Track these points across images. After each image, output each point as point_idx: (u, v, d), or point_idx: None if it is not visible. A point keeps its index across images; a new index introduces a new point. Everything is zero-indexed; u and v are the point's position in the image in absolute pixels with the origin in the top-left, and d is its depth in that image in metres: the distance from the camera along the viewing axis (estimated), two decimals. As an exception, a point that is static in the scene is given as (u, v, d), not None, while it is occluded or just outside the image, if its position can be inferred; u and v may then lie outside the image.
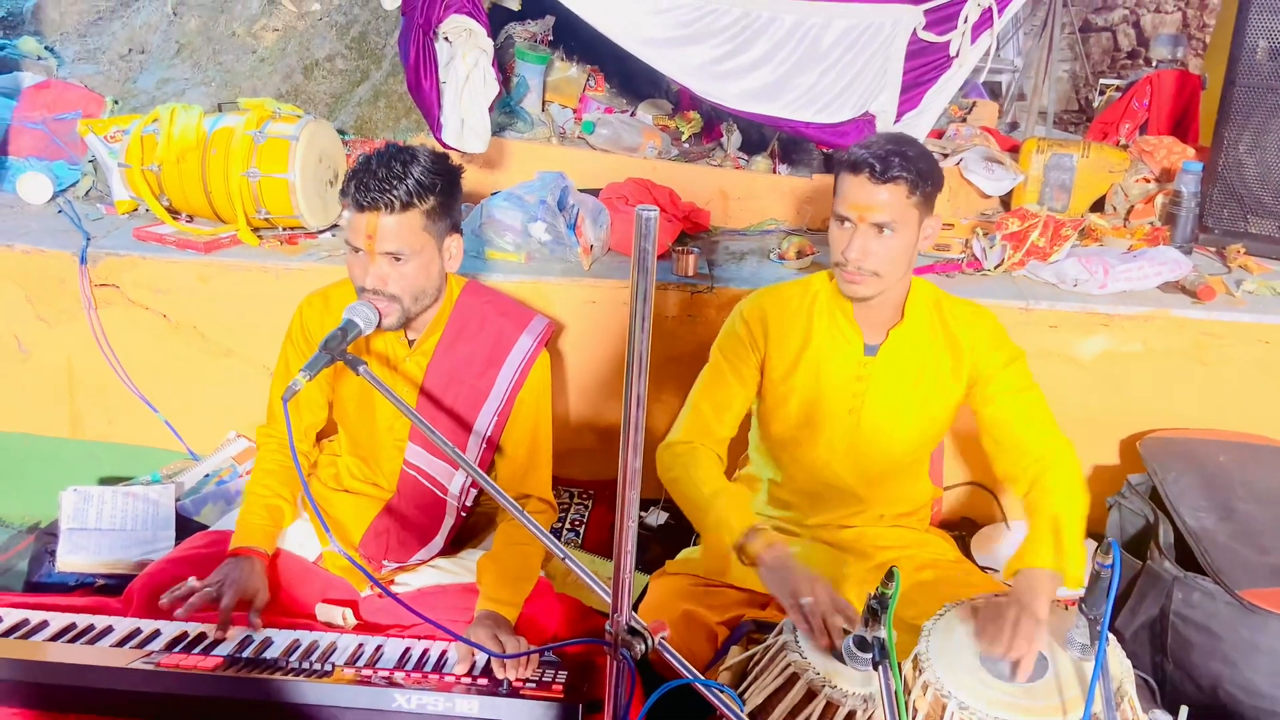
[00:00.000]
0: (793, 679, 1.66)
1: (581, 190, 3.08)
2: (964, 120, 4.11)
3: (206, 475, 2.81)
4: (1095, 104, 6.11)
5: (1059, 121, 6.45)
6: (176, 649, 1.81)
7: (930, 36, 3.13)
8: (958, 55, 3.18)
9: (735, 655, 1.85)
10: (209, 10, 3.89)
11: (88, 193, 3.37)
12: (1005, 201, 3.49)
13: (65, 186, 3.37)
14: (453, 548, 2.24)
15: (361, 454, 2.21)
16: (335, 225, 3.11)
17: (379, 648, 1.87)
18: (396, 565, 2.16)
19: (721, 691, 1.35)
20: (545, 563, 2.15)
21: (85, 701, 1.70)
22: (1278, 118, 3.02)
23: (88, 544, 2.52)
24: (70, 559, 2.50)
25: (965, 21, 3.12)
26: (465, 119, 3.04)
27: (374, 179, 1.87)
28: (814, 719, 1.62)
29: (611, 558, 1.27)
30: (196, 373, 2.90)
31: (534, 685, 1.73)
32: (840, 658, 1.66)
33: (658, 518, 2.83)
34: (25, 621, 1.88)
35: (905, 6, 3.09)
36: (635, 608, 1.33)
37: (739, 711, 1.34)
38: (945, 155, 3.51)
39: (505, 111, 3.67)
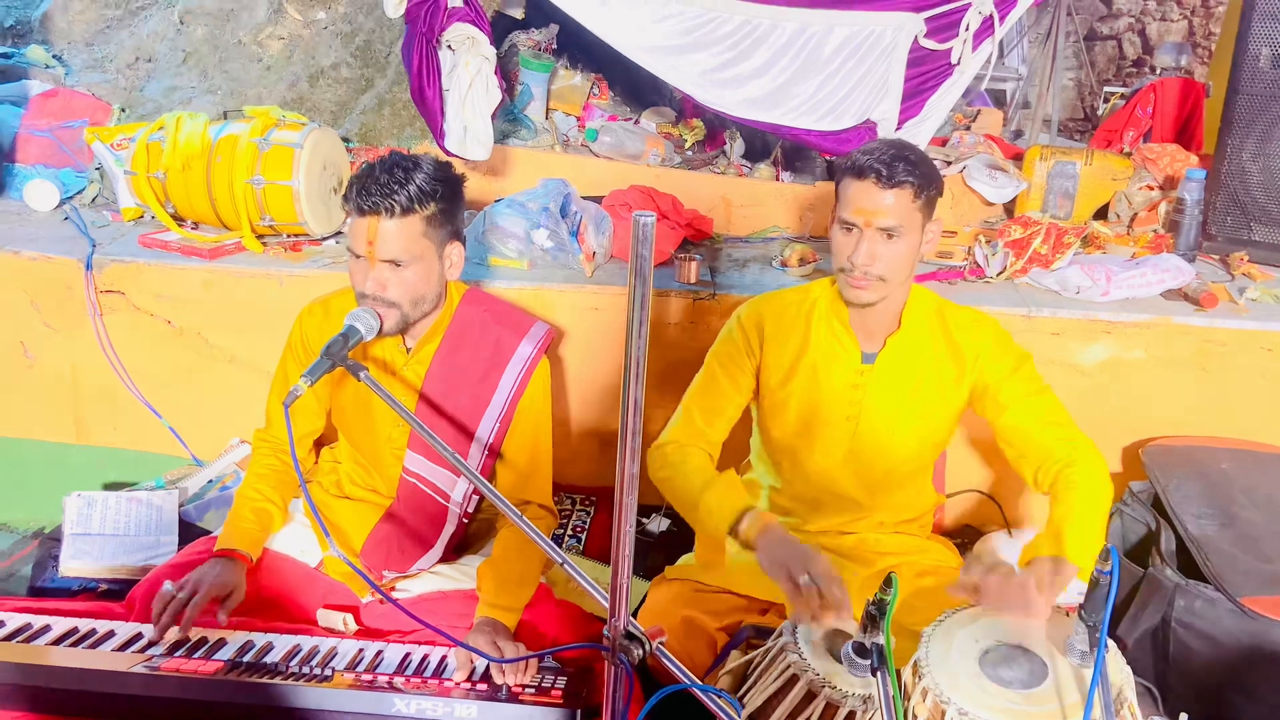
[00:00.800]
0: (792, 680, 1.66)
1: (585, 198, 3.09)
2: (968, 128, 4.12)
3: (210, 481, 2.82)
4: (1100, 112, 6.11)
5: (1064, 129, 6.44)
6: (178, 653, 1.82)
7: (931, 44, 3.13)
8: (959, 63, 3.18)
9: (735, 659, 1.85)
10: (215, 19, 3.91)
11: (94, 200, 3.39)
12: (1008, 209, 3.49)
13: (72, 194, 3.39)
14: (453, 554, 2.24)
15: (362, 461, 2.21)
16: (339, 232, 3.12)
17: (379, 653, 1.88)
18: (397, 574, 2.17)
19: (719, 697, 1.36)
20: (545, 569, 2.15)
21: (87, 705, 1.71)
22: (1281, 125, 3.02)
23: (91, 549, 2.53)
24: (74, 564, 2.51)
25: (967, 29, 3.13)
26: (468, 126, 3.06)
27: (376, 184, 1.89)
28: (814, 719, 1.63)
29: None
30: (201, 379, 2.91)
31: (533, 691, 1.74)
32: (838, 658, 1.66)
33: (659, 525, 2.83)
34: (28, 626, 1.89)
35: (906, 14, 3.09)
36: (635, 614, 1.33)
37: (736, 717, 1.34)
38: (949, 163, 3.51)
39: (509, 119, 3.68)
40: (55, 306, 2.90)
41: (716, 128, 3.83)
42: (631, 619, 1.30)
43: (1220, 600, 2.09)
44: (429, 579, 2.17)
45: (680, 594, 2.07)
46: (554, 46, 3.85)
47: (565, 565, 1.42)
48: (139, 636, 1.88)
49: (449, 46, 3.01)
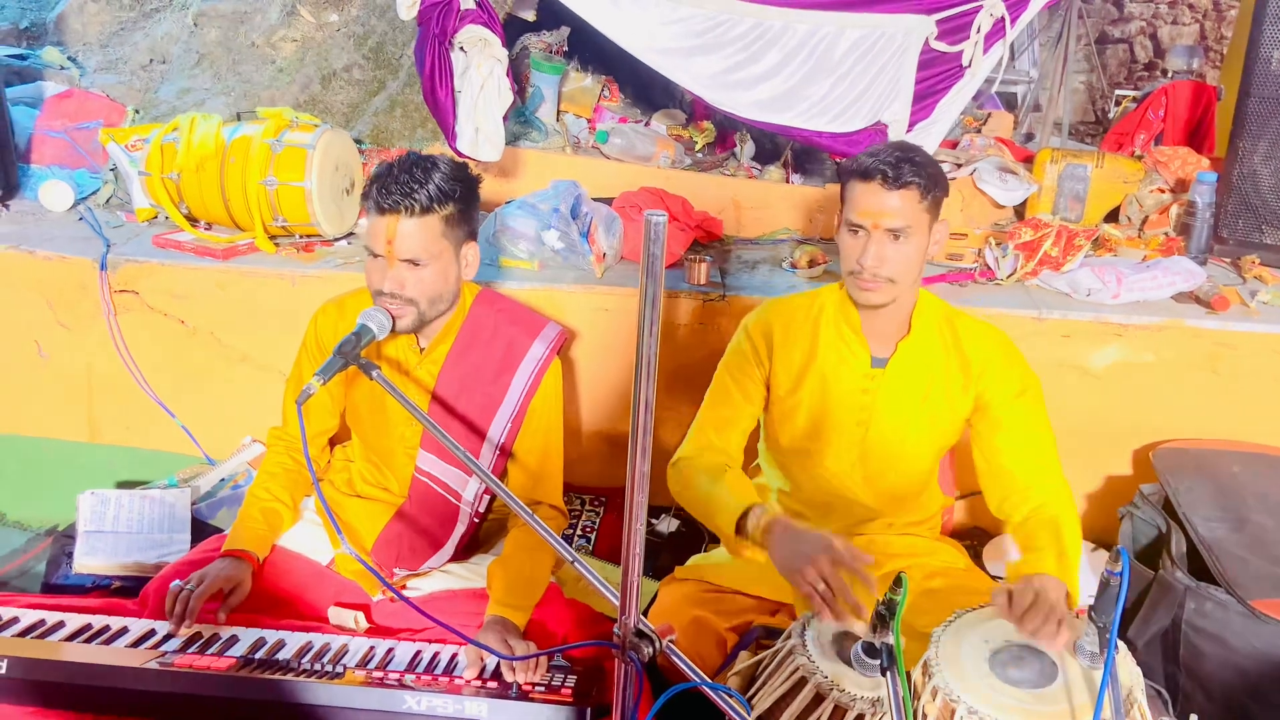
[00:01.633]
0: (801, 682, 1.66)
1: (595, 199, 3.10)
2: (978, 131, 4.11)
3: (222, 479, 2.84)
4: (1111, 115, 6.09)
5: (1075, 133, 6.43)
6: (190, 650, 1.83)
7: (942, 46, 3.14)
8: (970, 65, 3.18)
9: (744, 660, 1.85)
10: (229, 21, 3.93)
11: (108, 200, 3.42)
12: (1019, 211, 3.49)
13: (86, 194, 3.42)
14: (464, 553, 2.25)
15: (374, 460, 2.22)
16: (351, 233, 3.14)
17: (390, 651, 1.88)
18: (408, 572, 2.18)
19: (729, 696, 1.36)
20: (555, 568, 2.16)
21: (100, 701, 1.72)
22: (1293, 128, 3.01)
23: (104, 546, 2.55)
24: (87, 561, 2.53)
25: (978, 31, 3.13)
26: (480, 128, 3.07)
27: (395, 183, 1.90)
28: (822, 723, 1.63)
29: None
30: (213, 378, 2.93)
31: (543, 689, 1.74)
32: (849, 660, 1.66)
33: (669, 525, 2.84)
34: (42, 622, 1.90)
35: (917, 16, 3.10)
36: (645, 613, 1.34)
37: (746, 716, 1.35)
38: (959, 165, 3.51)
39: (520, 121, 3.69)
40: (70, 306, 2.92)
41: (727, 130, 3.84)
42: (642, 617, 1.31)
43: (1231, 603, 2.09)
44: (439, 578, 2.18)
45: (690, 594, 2.08)
46: (565, 49, 3.86)
47: (576, 563, 1.42)
48: (152, 633, 1.89)
49: (461, 48, 3.03)
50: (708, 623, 1.98)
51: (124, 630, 1.89)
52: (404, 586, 2.16)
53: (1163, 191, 3.38)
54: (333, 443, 2.35)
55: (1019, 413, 2.01)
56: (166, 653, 1.80)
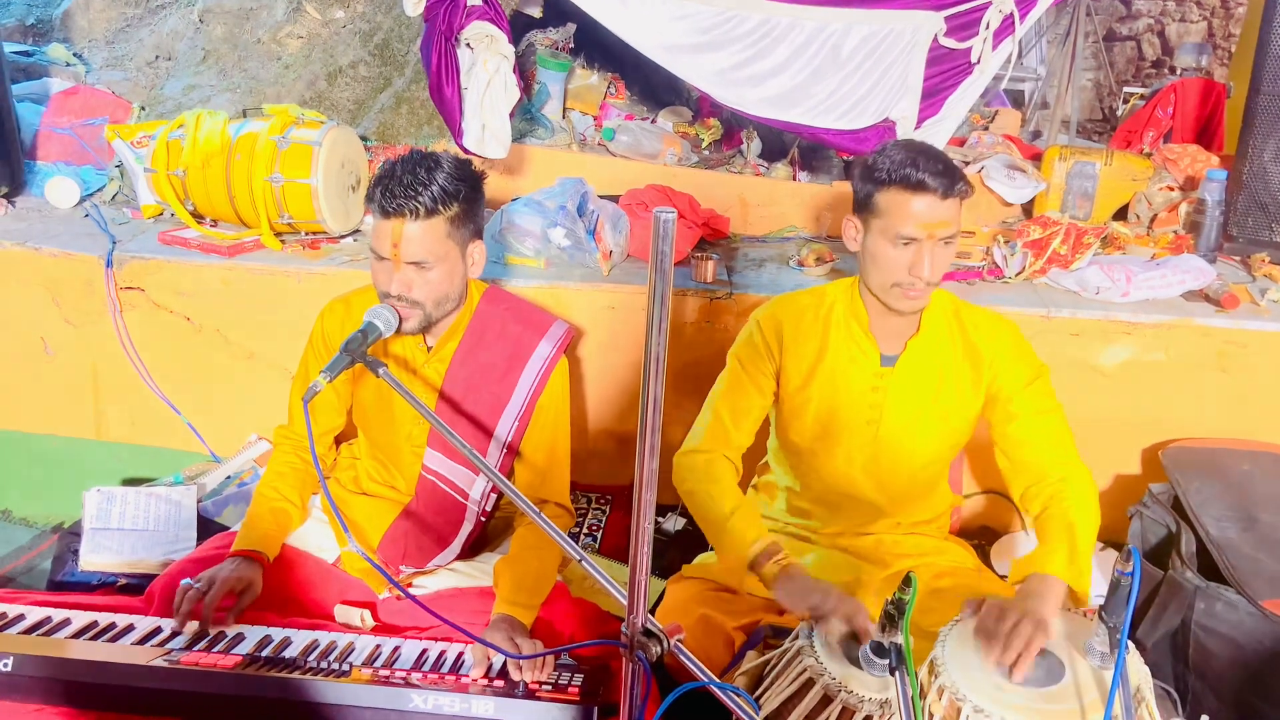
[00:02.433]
0: (809, 684, 1.66)
1: (602, 197, 3.10)
2: (986, 128, 4.10)
3: (228, 477, 2.84)
4: (1119, 113, 6.08)
5: (1083, 131, 6.41)
6: (196, 647, 1.83)
7: (951, 43, 3.12)
8: (979, 62, 3.16)
9: (751, 660, 1.84)
10: (235, 18, 3.93)
11: (114, 197, 3.42)
12: (1027, 209, 3.48)
13: (92, 191, 3.42)
14: (470, 552, 2.24)
15: (381, 458, 2.22)
16: (357, 230, 3.14)
17: (396, 649, 1.88)
18: (414, 570, 2.17)
19: (737, 695, 1.35)
20: (562, 567, 2.16)
21: (105, 698, 1.72)
22: (1303, 126, 3.00)
23: (110, 544, 2.55)
24: (93, 558, 2.53)
25: (987, 28, 3.11)
26: (486, 125, 3.06)
27: (399, 185, 1.89)
28: (830, 724, 1.62)
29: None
30: (219, 375, 2.93)
31: (550, 688, 1.73)
32: (858, 662, 1.65)
33: (675, 523, 2.83)
34: (48, 619, 1.90)
35: (926, 13, 3.08)
36: (652, 611, 1.33)
37: (754, 715, 1.34)
38: (967, 163, 3.50)
39: (526, 118, 3.69)
40: (75, 303, 2.92)
41: (733, 127, 3.82)
42: (650, 616, 1.30)
43: (1241, 603, 2.08)
44: (446, 576, 2.18)
45: (698, 593, 2.07)
46: (571, 46, 3.85)
47: (583, 562, 1.42)
48: (158, 630, 1.89)
49: (468, 45, 3.02)
50: (715, 622, 1.98)
51: (130, 628, 1.89)
52: (410, 585, 2.15)
53: (1172, 189, 3.36)
54: (339, 441, 2.34)
55: (1030, 401, 2.01)
56: (172, 650, 1.80)
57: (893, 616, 1.55)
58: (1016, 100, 5.96)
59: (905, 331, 2.05)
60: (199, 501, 2.68)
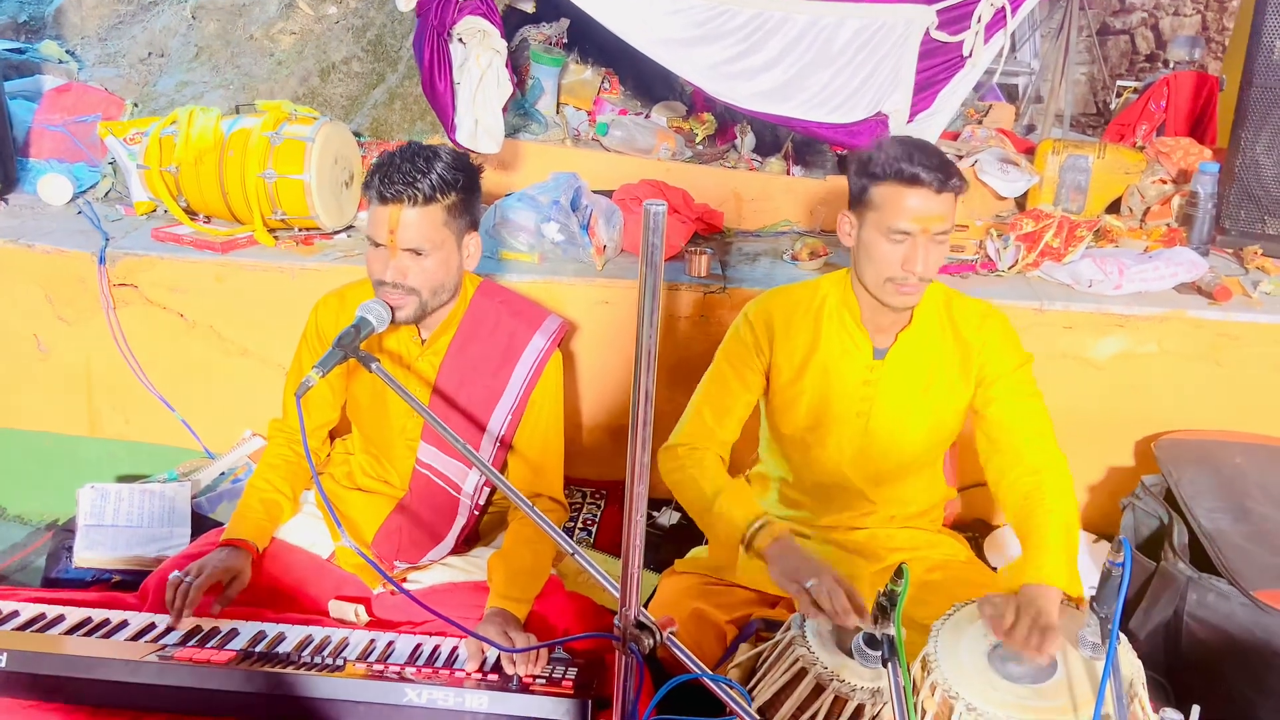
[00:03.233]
0: (801, 673, 1.66)
1: (595, 192, 3.09)
2: (980, 122, 4.10)
3: (222, 473, 2.84)
4: (1113, 107, 6.08)
5: (1076, 124, 6.41)
6: (190, 643, 1.82)
7: (943, 36, 3.12)
8: (971, 55, 3.17)
9: (744, 652, 1.85)
10: (227, 14, 3.93)
11: (107, 194, 3.41)
12: (1020, 203, 3.48)
13: (85, 188, 3.41)
14: (464, 546, 2.25)
15: (374, 452, 2.22)
16: (350, 226, 3.13)
17: (390, 644, 1.88)
18: (408, 565, 2.18)
19: (730, 687, 1.36)
20: (556, 561, 2.16)
21: (100, 694, 1.72)
22: (1294, 118, 3.00)
23: (105, 540, 2.54)
24: (87, 555, 2.53)
25: (978, 21, 3.12)
26: (479, 120, 3.06)
27: (398, 172, 1.89)
28: (823, 713, 1.63)
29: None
30: (213, 372, 2.93)
31: (544, 681, 1.74)
32: (849, 651, 1.66)
33: (669, 518, 2.84)
34: (42, 616, 1.90)
35: (918, 6, 3.08)
36: (645, 605, 1.33)
37: (747, 707, 1.34)
38: (960, 156, 3.50)
39: (520, 113, 3.69)
40: (69, 300, 2.91)
41: (727, 122, 3.82)
42: (642, 609, 1.30)
43: (1233, 594, 2.08)
44: (440, 570, 2.18)
45: (690, 586, 2.08)
46: (565, 41, 3.85)
47: (576, 555, 1.42)
48: (152, 626, 1.89)
49: (460, 40, 3.02)
50: (708, 615, 1.98)
51: (124, 624, 1.89)
52: (404, 579, 2.15)
53: (1164, 182, 3.37)
54: (333, 435, 2.34)
55: (1014, 386, 2.01)
56: (166, 646, 1.80)
57: (885, 608, 1.56)
58: (1010, 94, 5.97)
59: (897, 324, 2.05)
60: (193, 498, 2.68)
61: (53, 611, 1.92)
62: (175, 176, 3.00)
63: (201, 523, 2.63)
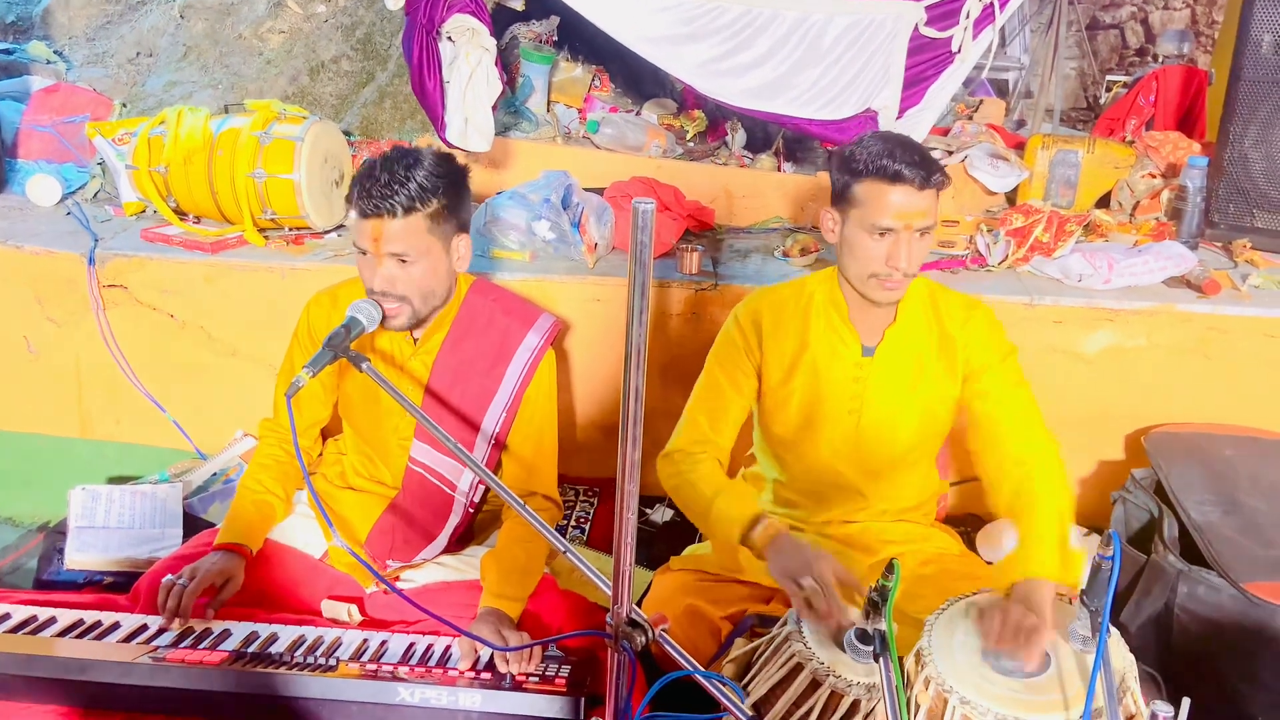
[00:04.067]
0: (796, 669, 1.67)
1: (586, 189, 3.09)
2: (970, 118, 4.11)
3: (214, 474, 2.83)
4: (1102, 101, 6.10)
5: (1066, 119, 6.43)
6: (183, 644, 1.82)
7: (932, 32, 3.13)
8: (960, 51, 3.17)
9: (739, 648, 1.85)
10: (215, 14, 3.91)
11: (96, 195, 3.40)
12: (1010, 198, 3.49)
13: (74, 189, 3.40)
14: (457, 545, 2.24)
15: (367, 451, 2.22)
16: (341, 226, 3.12)
17: (383, 643, 1.88)
18: (401, 565, 2.17)
19: (723, 683, 1.36)
20: (549, 559, 2.16)
21: (93, 696, 1.72)
22: (1283, 112, 3.01)
23: (96, 542, 2.54)
24: (79, 557, 2.52)
25: (967, 17, 3.12)
26: (469, 118, 3.06)
27: (376, 185, 1.88)
28: (818, 709, 1.63)
29: (614, 553, 1.27)
30: (203, 372, 2.92)
31: (537, 679, 1.74)
32: (843, 647, 1.66)
33: (662, 515, 2.84)
34: (34, 618, 1.90)
35: (906, 3, 3.09)
36: (639, 603, 1.34)
37: (739, 703, 1.35)
38: (950, 152, 3.50)
39: (510, 111, 3.68)
40: (58, 301, 2.90)
41: (718, 119, 3.83)
42: (634, 606, 1.30)
43: (1223, 586, 2.09)
44: (433, 570, 2.18)
45: (684, 583, 2.08)
46: (555, 38, 3.85)
47: (568, 553, 1.42)
48: (144, 628, 1.88)
49: (449, 38, 3.01)
50: (702, 611, 1.98)
51: (116, 625, 1.89)
52: (397, 579, 2.15)
53: (1154, 176, 3.38)
54: (325, 435, 2.34)
55: (1001, 378, 2.02)
56: (159, 647, 1.79)
57: (876, 603, 1.56)
58: (1001, 89, 5.97)
59: (884, 321, 2.06)
60: (184, 499, 2.67)
61: (44, 614, 1.91)
62: (164, 177, 2.99)
63: (193, 523, 2.63)
